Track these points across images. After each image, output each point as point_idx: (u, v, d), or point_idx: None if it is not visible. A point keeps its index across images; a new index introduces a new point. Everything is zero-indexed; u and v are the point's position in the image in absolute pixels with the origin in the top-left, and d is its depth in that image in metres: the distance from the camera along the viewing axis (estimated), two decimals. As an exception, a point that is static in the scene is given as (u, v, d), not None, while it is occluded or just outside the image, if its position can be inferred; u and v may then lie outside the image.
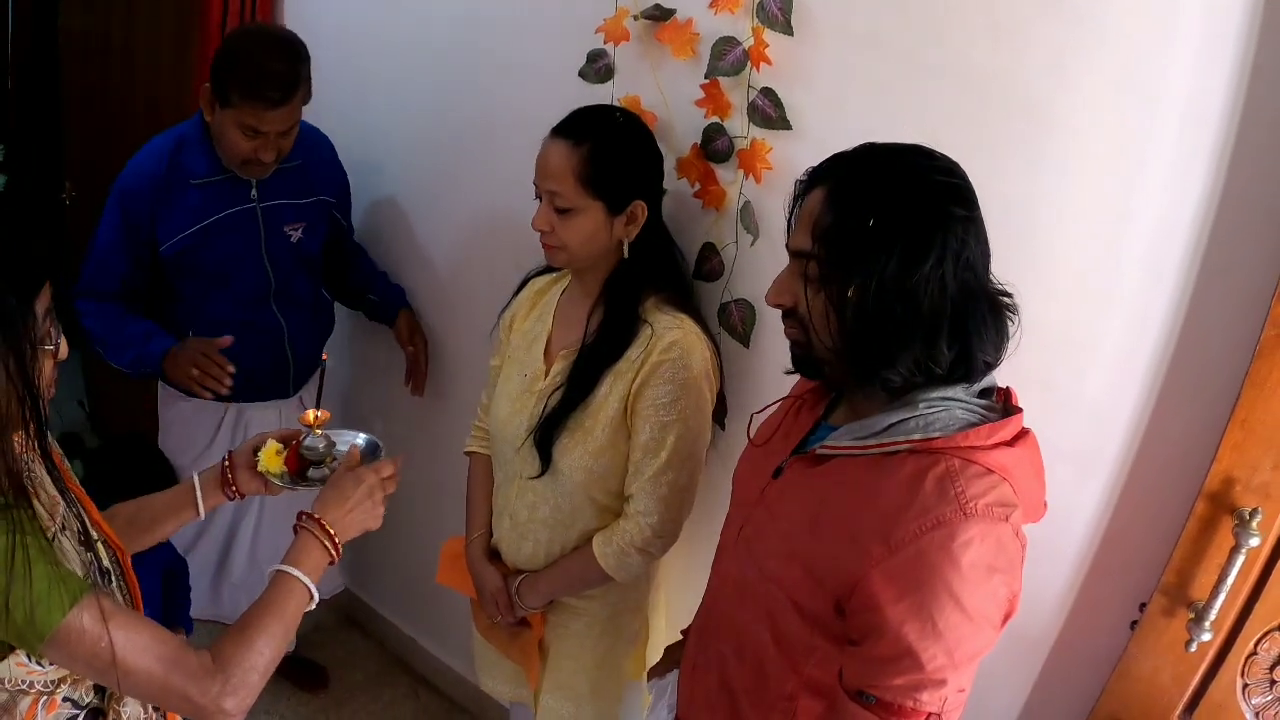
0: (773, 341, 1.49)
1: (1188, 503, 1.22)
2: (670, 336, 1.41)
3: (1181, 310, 1.20)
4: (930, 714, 0.96)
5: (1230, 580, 1.19)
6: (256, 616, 1.06)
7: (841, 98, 1.36)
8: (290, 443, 1.31)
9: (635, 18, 1.52)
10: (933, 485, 0.95)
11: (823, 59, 1.36)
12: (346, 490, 1.21)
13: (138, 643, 0.97)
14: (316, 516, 1.17)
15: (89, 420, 3.46)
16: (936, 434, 0.98)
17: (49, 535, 0.98)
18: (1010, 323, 1.01)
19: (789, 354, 1.10)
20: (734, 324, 1.57)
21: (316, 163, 2.00)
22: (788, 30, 1.36)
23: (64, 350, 1.02)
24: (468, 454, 1.73)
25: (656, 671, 1.51)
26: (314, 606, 1.12)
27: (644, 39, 1.54)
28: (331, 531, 1.16)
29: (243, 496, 1.31)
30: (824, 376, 1.11)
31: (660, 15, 1.49)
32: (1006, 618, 0.99)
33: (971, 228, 0.97)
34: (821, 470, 1.06)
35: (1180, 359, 1.22)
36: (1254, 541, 1.16)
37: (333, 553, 1.16)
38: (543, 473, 1.49)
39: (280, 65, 1.69)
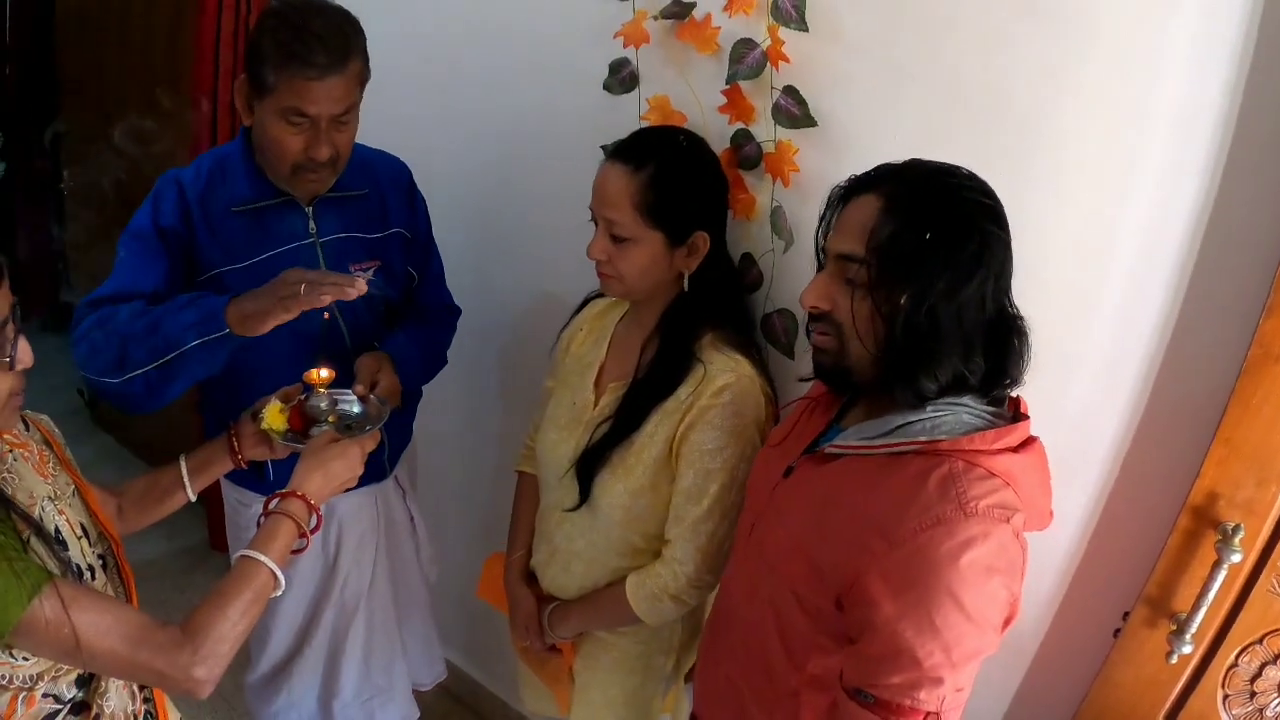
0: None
1: (1172, 515, 1.23)
2: (723, 380, 1.32)
3: (1170, 324, 1.22)
4: (928, 713, 0.95)
5: (1212, 595, 1.20)
6: (228, 589, 1.07)
7: (848, 98, 1.36)
8: (293, 401, 1.35)
9: (655, 18, 1.50)
10: (935, 485, 0.97)
11: (838, 54, 1.35)
12: (330, 464, 1.23)
13: (101, 625, 0.99)
14: (299, 493, 1.19)
15: (89, 408, 3.36)
16: (943, 436, 1.00)
17: (23, 536, 0.98)
18: (1026, 345, 1.04)
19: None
20: (777, 336, 1.51)
21: (389, 192, 1.64)
22: (803, 26, 1.35)
23: (26, 357, 1.00)
24: (518, 472, 1.69)
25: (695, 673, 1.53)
26: (280, 593, 1.12)
27: (665, 41, 1.52)
28: (313, 503, 1.19)
29: (248, 464, 1.34)
30: (847, 387, 1.12)
31: (679, 13, 1.47)
32: (1008, 621, 1.00)
33: (1008, 251, 1.02)
34: (829, 468, 1.08)
35: (1167, 372, 1.24)
36: (1236, 557, 1.18)
37: (307, 530, 1.17)
38: (580, 505, 1.43)
39: (323, 26, 1.36)
